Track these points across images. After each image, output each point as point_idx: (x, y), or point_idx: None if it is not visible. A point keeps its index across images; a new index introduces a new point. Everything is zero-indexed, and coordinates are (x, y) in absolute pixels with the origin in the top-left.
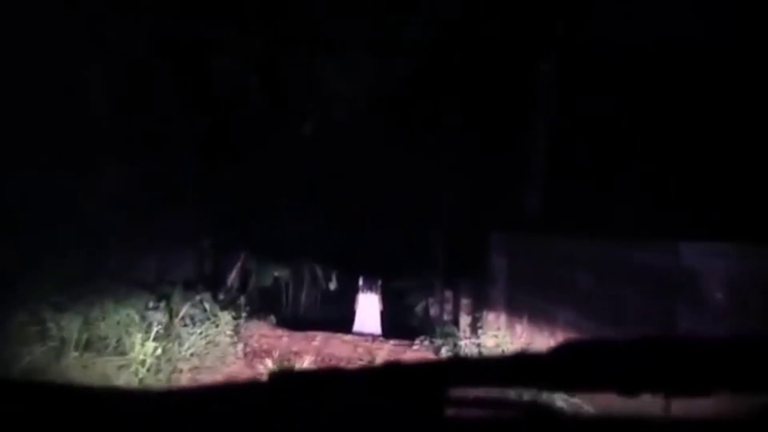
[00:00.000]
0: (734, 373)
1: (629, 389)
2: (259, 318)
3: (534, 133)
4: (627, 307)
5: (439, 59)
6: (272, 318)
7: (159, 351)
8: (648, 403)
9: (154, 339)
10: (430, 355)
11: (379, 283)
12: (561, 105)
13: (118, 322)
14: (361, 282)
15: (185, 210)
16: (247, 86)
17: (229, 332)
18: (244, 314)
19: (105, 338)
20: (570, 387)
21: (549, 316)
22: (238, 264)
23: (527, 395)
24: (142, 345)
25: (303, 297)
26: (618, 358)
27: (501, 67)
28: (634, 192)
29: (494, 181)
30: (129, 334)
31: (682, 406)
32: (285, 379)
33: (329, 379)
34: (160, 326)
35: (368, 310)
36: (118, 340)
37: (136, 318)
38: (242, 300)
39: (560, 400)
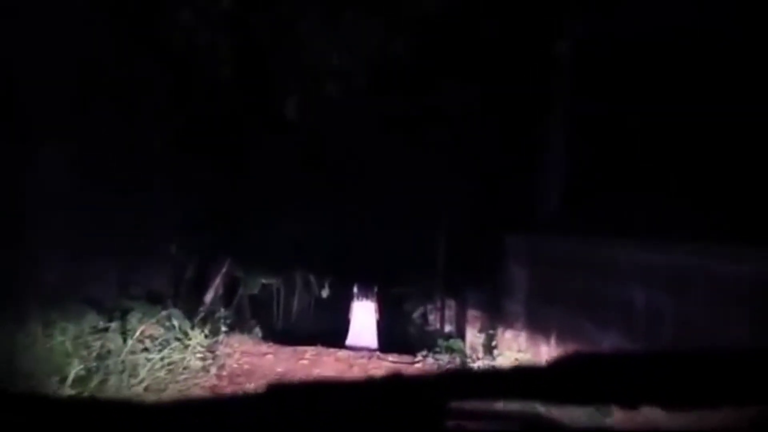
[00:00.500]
0: (739, 386)
1: (630, 402)
2: (243, 331)
3: (550, 123)
4: (708, 332)
5: (445, 38)
6: (257, 331)
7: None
8: (650, 417)
9: (94, 371)
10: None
11: (375, 289)
12: (580, 92)
13: (52, 350)
14: (356, 289)
15: (157, 210)
16: (216, 54)
17: (200, 354)
18: (224, 329)
19: (29, 376)
20: (571, 400)
21: (585, 338)
22: (222, 271)
23: (528, 408)
24: (59, 387)
25: (294, 306)
26: (620, 372)
27: (514, 48)
28: (670, 191)
29: (504, 177)
30: (60, 367)
31: (683, 419)
32: (280, 394)
33: (325, 392)
34: (81, 364)
35: (364, 320)
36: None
37: (69, 347)
38: (222, 312)
39: (561, 413)
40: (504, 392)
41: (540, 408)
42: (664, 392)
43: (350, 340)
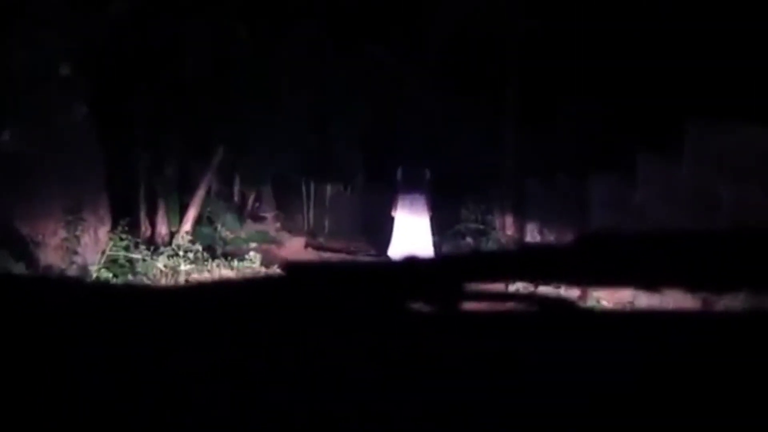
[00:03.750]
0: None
1: (649, 284)
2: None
3: None
4: None
5: None
6: (254, 257)
7: None
8: (667, 299)
9: None
10: None
11: (427, 175)
12: None
13: None
14: (399, 175)
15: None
16: None
17: None
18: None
19: None
20: (589, 282)
21: None
22: (214, 163)
23: (545, 290)
24: None
25: (327, 200)
26: (639, 254)
27: None
28: None
29: None
30: None
31: (703, 302)
32: (299, 272)
33: (344, 274)
34: None
35: (411, 221)
36: None
37: None
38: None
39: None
40: (519, 274)
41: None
42: (684, 275)
43: (394, 254)
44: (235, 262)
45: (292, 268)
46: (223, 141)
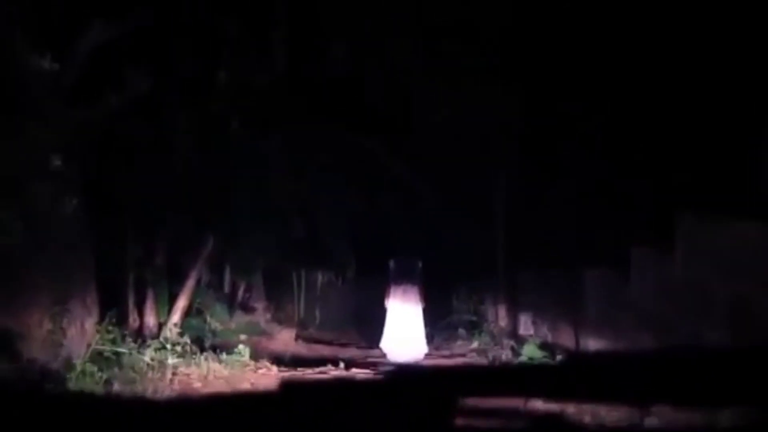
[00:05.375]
0: (748, 385)
1: (641, 402)
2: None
3: None
4: None
5: None
6: (242, 349)
7: None
8: (659, 416)
9: None
10: None
11: (419, 266)
12: None
13: None
14: (392, 265)
15: None
16: None
17: None
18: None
19: None
20: (584, 399)
21: None
22: (203, 254)
23: (541, 406)
24: None
25: (317, 289)
26: (631, 372)
27: None
28: None
29: None
30: None
31: (694, 419)
32: (295, 389)
33: (339, 389)
34: None
35: (404, 313)
36: None
37: None
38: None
39: (572, 412)
40: (515, 390)
41: (550, 407)
42: (675, 392)
43: (386, 346)
44: (224, 355)
45: (292, 385)
46: (213, 231)
